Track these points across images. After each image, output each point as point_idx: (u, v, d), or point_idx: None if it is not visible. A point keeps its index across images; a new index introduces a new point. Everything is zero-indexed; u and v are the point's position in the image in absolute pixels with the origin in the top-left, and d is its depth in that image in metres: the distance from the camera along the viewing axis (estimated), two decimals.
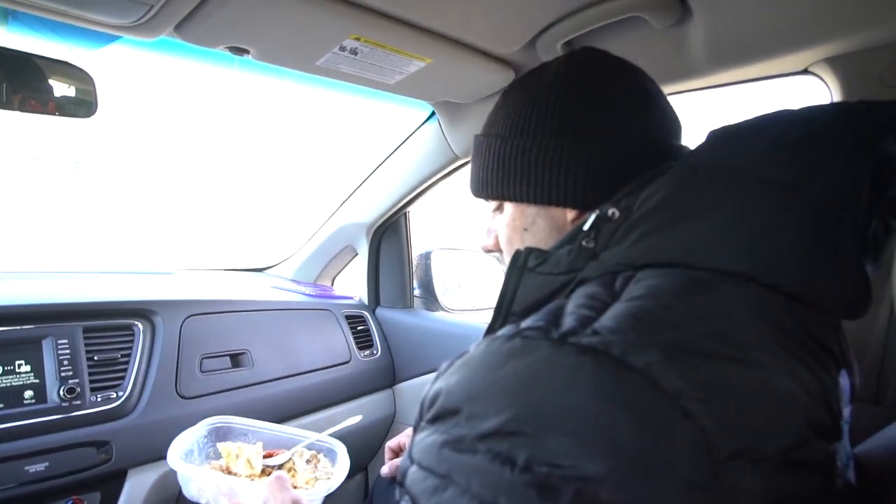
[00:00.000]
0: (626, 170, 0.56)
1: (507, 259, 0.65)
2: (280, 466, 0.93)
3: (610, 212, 0.51)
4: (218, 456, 0.93)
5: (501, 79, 1.08)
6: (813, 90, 0.90)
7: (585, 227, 0.52)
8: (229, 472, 0.90)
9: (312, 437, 0.96)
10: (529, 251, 0.55)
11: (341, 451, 0.93)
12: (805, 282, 0.45)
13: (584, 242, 0.52)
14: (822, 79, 0.89)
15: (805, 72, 0.90)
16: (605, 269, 0.50)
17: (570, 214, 0.60)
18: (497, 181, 0.63)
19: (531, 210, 0.62)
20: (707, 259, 0.46)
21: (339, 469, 0.92)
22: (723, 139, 0.53)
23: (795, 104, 0.53)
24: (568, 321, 0.43)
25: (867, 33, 0.79)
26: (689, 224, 0.47)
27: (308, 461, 0.94)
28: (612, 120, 0.58)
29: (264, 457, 0.94)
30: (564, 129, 0.58)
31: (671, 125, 0.62)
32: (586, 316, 0.43)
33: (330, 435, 0.99)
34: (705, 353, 0.39)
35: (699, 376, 0.38)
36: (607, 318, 0.42)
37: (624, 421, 0.36)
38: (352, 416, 1.12)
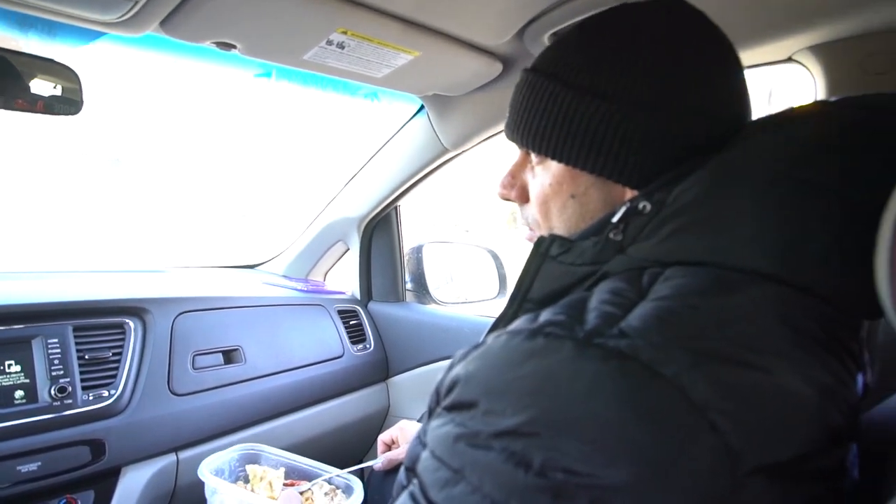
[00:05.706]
0: (703, 152, 0.50)
1: (536, 216, 0.60)
2: (300, 494, 0.96)
3: (641, 205, 0.49)
4: (246, 479, 0.96)
5: (489, 71, 1.08)
6: (797, 79, 0.91)
7: (614, 220, 0.50)
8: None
9: (334, 472, 0.99)
10: (553, 238, 0.53)
11: (358, 487, 0.95)
12: (839, 286, 0.44)
13: (611, 235, 0.50)
14: (806, 67, 0.89)
15: (789, 60, 0.91)
16: (632, 265, 0.48)
17: (630, 194, 0.53)
18: (556, 137, 0.54)
19: (586, 178, 0.55)
20: (739, 259, 0.44)
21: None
22: (760, 133, 0.50)
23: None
24: (592, 318, 0.42)
25: (850, 20, 0.80)
26: (723, 222, 0.45)
27: (326, 494, 0.97)
28: (708, 96, 0.52)
29: (285, 485, 0.96)
30: (657, 100, 0.51)
31: (748, 103, 0.56)
32: (612, 314, 0.42)
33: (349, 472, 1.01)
34: (730, 359, 0.38)
35: (725, 385, 0.37)
36: (634, 318, 0.41)
37: (647, 431, 0.36)
38: (346, 410, 1.11)
